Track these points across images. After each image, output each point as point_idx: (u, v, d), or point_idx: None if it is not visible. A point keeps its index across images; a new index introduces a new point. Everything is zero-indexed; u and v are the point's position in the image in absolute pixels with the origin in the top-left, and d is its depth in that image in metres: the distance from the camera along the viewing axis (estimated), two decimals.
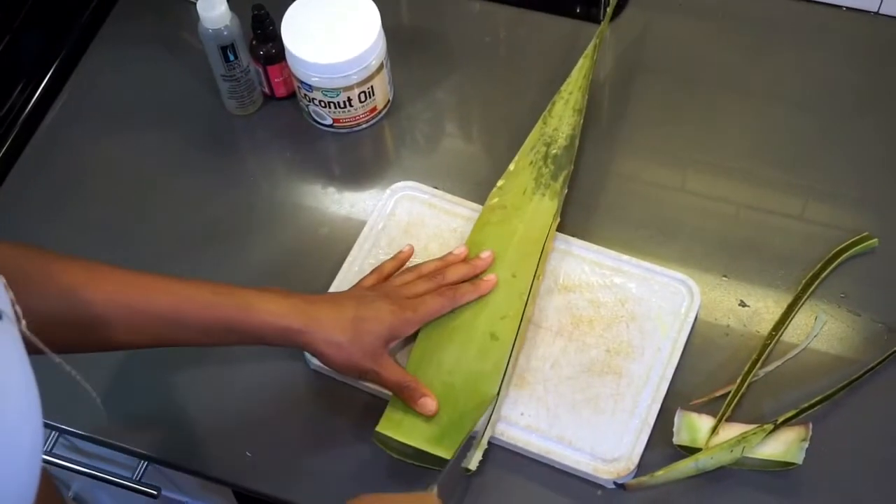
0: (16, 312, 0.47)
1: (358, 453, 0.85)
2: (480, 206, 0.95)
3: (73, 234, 0.99)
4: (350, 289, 0.88)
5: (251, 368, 0.90)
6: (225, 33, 0.96)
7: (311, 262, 0.95)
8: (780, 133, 1.01)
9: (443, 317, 0.86)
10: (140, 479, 0.97)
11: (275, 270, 0.95)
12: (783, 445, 0.80)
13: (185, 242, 0.98)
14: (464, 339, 0.86)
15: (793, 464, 0.80)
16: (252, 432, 0.87)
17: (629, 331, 0.88)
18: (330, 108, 1.00)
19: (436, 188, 0.98)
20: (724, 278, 0.92)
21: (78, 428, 0.89)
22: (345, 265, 0.93)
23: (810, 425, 0.80)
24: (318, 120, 1.03)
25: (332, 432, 0.87)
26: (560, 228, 0.93)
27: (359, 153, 1.04)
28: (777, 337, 0.87)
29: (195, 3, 0.95)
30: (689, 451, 0.82)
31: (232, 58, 0.98)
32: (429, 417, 0.82)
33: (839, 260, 0.91)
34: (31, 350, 0.48)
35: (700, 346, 0.88)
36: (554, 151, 0.96)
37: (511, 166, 0.96)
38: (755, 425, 0.81)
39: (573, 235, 0.93)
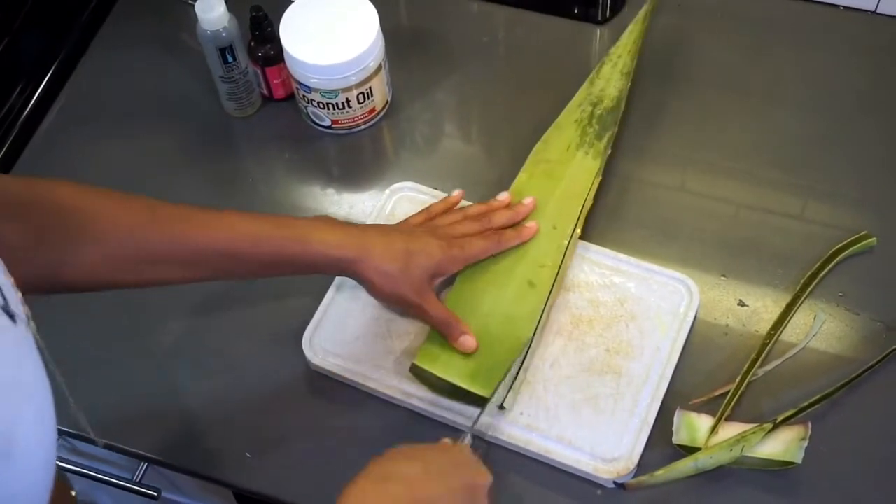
0: (26, 313, 0.47)
1: (358, 453, 0.85)
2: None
3: None
4: (398, 223, 0.90)
5: (251, 368, 0.90)
6: (223, 35, 0.96)
7: None
8: (780, 133, 1.01)
9: (483, 261, 0.88)
10: (140, 480, 0.97)
11: None
12: (782, 445, 0.80)
13: None
14: (502, 284, 0.88)
15: (792, 463, 0.80)
16: (252, 432, 0.87)
17: (629, 330, 0.88)
18: (328, 109, 1.00)
19: (435, 188, 0.98)
20: (722, 278, 0.92)
21: (78, 429, 0.89)
22: None
23: (809, 424, 0.80)
24: (317, 121, 1.03)
25: (332, 432, 0.87)
26: None
27: (358, 154, 1.04)
28: (776, 336, 0.87)
29: (194, 5, 0.95)
30: (689, 450, 0.81)
31: (230, 59, 0.98)
32: (465, 355, 0.84)
33: (838, 259, 0.91)
34: None
35: (699, 346, 0.88)
36: (599, 112, 0.97)
37: (557, 121, 0.98)
38: (754, 425, 0.81)
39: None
